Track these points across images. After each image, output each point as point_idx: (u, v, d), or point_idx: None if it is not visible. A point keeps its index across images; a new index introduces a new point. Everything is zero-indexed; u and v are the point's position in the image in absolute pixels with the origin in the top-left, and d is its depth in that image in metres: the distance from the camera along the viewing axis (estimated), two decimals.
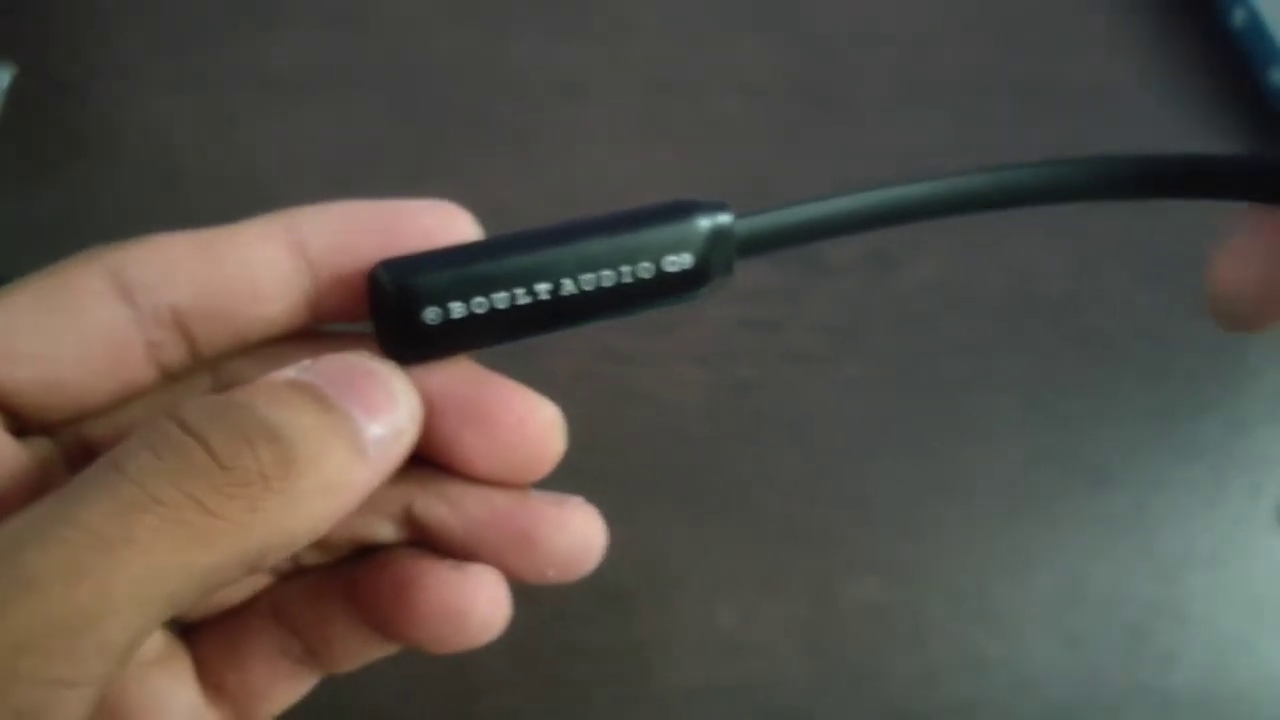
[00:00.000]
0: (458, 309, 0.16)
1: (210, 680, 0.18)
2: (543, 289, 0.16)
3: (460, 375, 0.17)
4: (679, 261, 0.18)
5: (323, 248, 0.17)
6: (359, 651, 0.19)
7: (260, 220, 0.17)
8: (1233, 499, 0.39)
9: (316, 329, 0.18)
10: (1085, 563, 0.37)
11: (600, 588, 0.35)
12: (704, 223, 0.18)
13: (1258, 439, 0.40)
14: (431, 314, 0.16)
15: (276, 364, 0.16)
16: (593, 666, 0.34)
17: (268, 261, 0.16)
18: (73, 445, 0.17)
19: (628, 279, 0.17)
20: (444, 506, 0.17)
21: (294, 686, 0.19)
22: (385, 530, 0.18)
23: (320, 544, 0.17)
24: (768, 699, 0.34)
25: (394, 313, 0.16)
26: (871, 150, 0.45)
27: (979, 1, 0.50)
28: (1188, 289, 0.43)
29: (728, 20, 0.49)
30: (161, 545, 0.13)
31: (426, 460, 0.17)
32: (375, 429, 0.15)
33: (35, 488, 0.16)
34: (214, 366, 0.17)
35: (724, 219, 0.18)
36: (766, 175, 0.44)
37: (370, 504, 0.16)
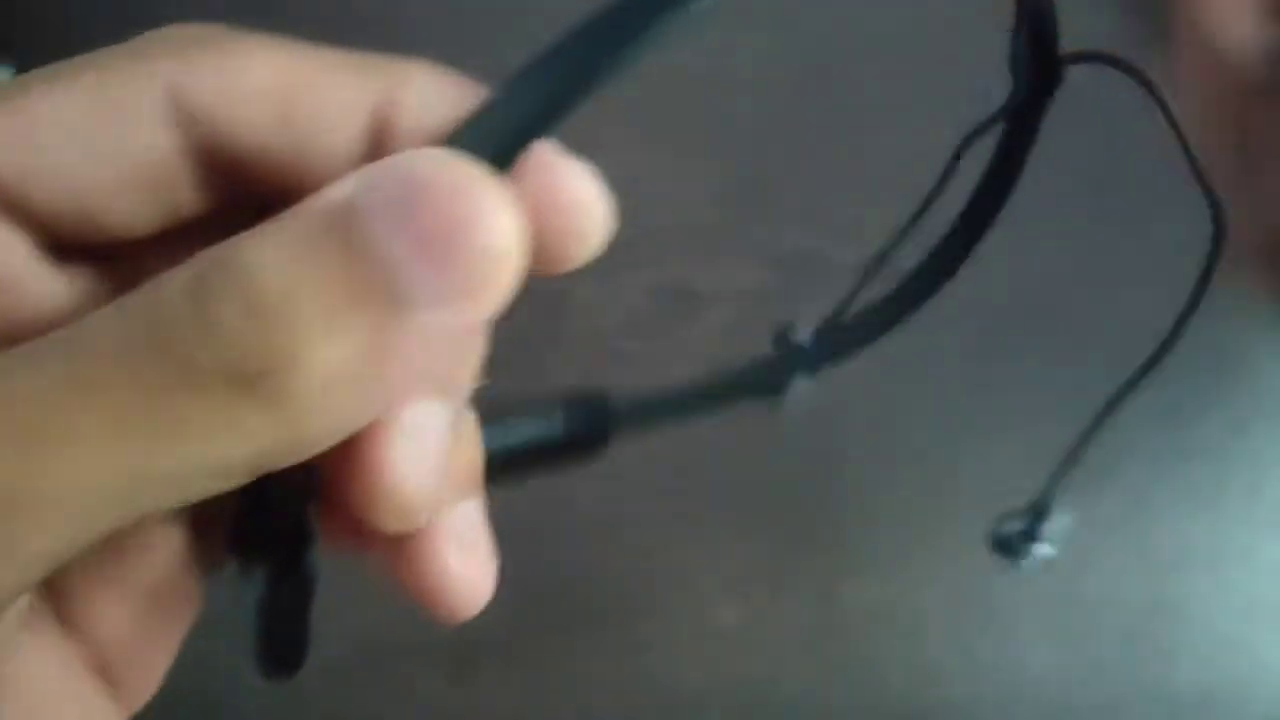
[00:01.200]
0: None
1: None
2: None
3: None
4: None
5: (413, 115, 0.14)
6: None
7: (358, 61, 0.14)
8: (1231, 499, 0.39)
9: None
10: (1084, 563, 0.37)
11: (602, 588, 0.35)
12: None
13: (1256, 440, 0.40)
14: None
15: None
16: (594, 667, 0.34)
17: (349, 119, 0.14)
18: (127, 275, 0.14)
19: None
20: None
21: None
22: None
23: None
24: (768, 698, 0.34)
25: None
26: (872, 151, 0.45)
27: (979, 2, 0.50)
28: (1186, 290, 0.43)
29: (728, 21, 0.49)
30: (104, 436, 0.11)
31: None
32: (434, 288, 0.11)
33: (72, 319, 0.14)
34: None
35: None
36: (767, 176, 0.44)
37: None
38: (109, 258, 0.14)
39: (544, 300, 0.36)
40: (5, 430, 0.11)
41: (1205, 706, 0.35)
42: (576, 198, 0.14)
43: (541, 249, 0.13)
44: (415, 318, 0.11)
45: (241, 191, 0.14)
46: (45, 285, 0.13)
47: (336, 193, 0.12)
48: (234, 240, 0.12)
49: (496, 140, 0.13)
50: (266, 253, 0.11)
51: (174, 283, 0.11)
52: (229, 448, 0.11)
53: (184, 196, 0.14)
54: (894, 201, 0.48)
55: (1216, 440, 0.40)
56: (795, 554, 0.36)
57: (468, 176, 0.12)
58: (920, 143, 0.48)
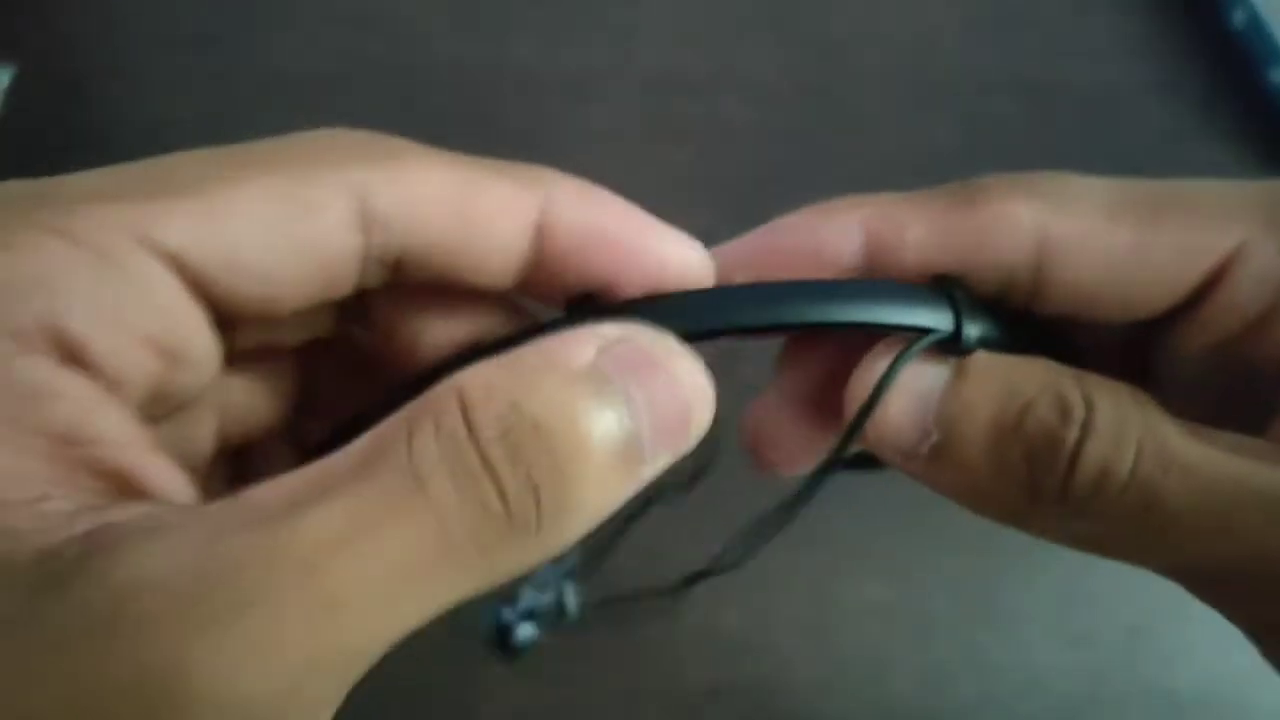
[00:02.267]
0: None
1: None
2: None
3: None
4: None
5: (566, 229, 0.16)
6: None
7: (515, 172, 0.16)
8: None
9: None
10: (1088, 562, 0.37)
11: (604, 590, 0.35)
12: None
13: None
14: None
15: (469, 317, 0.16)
16: (597, 668, 0.34)
17: (513, 228, 0.16)
18: (263, 334, 0.17)
19: None
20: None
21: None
22: None
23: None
24: (772, 699, 0.34)
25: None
26: (874, 152, 0.45)
27: (981, 5, 0.50)
28: None
29: (731, 23, 0.49)
30: (437, 579, 0.13)
31: None
32: (661, 455, 0.15)
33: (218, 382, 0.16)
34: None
35: None
36: (770, 176, 0.44)
37: None
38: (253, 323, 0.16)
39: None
40: (360, 589, 0.12)
41: (1207, 706, 0.35)
42: None
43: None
44: (647, 473, 0.15)
45: (393, 277, 0.16)
46: (211, 353, 0.15)
47: (586, 354, 0.14)
48: (513, 382, 0.14)
49: (692, 322, 0.16)
50: (554, 409, 0.14)
51: (483, 426, 0.13)
52: (506, 574, 0.14)
53: (348, 283, 0.16)
54: None
55: None
56: (796, 554, 0.36)
57: (693, 370, 0.15)
58: (920, 143, 0.48)
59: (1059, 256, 0.16)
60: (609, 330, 0.15)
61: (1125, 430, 0.15)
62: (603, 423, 0.14)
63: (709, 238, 0.45)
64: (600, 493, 0.14)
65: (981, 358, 0.16)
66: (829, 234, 0.18)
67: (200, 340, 0.15)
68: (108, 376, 0.14)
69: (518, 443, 0.13)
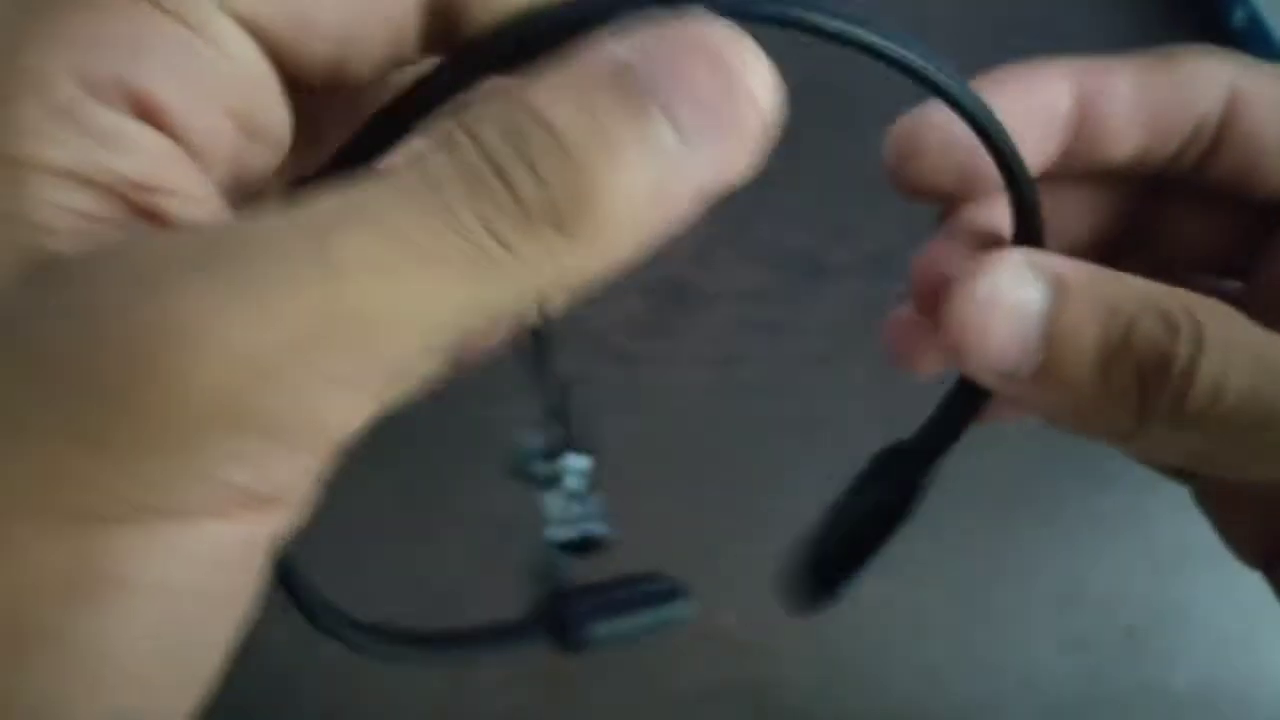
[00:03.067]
0: None
1: None
2: None
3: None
4: None
5: None
6: None
7: None
8: None
9: None
10: (1085, 562, 0.37)
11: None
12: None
13: None
14: None
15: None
16: (594, 667, 0.34)
17: None
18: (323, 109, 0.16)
19: None
20: None
21: None
22: None
23: None
24: (769, 699, 0.34)
25: None
26: (873, 151, 0.45)
27: (979, 3, 0.50)
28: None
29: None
30: (457, 268, 0.12)
31: None
32: (712, 149, 0.13)
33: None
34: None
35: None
36: (768, 174, 0.44)
37: None
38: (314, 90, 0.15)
39: None
40: (368, 262, 0.12)
41: (1207, 706, 0.35)
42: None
43: None
44: (693, 158, 0.13)
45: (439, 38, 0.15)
46: (285, 129, 0.15)
47: (612, 52, 0.13)
48: (527, 87, 0.13)
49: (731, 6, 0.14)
50: (565, 106, 0.13)
51: (487, 131, 0.13)
52: (545, 279, 0.13)
53: (412, 43, 0.15)
54: (893, 202, 0.48)
55: None
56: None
57: (730, 35, 0.13)
58: None
59: (1244, 109, 0.18)
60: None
61: (1235, 343, 0.16)
62: (612, 108, 0.13)
63: (708, 237, 0.45)
64: (633, 179, 0.13)
65: (1081, 273, 0.17)
66: (1043, 89, 0.19)
67: (278, 114, 0.15)
68: (191, 144, 0.14)
69: (523, 137, 0.12)
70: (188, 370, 0.11)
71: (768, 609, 0.36)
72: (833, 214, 0.43)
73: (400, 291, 0.12)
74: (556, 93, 0.13)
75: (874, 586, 0.37)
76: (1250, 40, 0.48)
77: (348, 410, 0.13)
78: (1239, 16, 0.48)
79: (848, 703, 0.34)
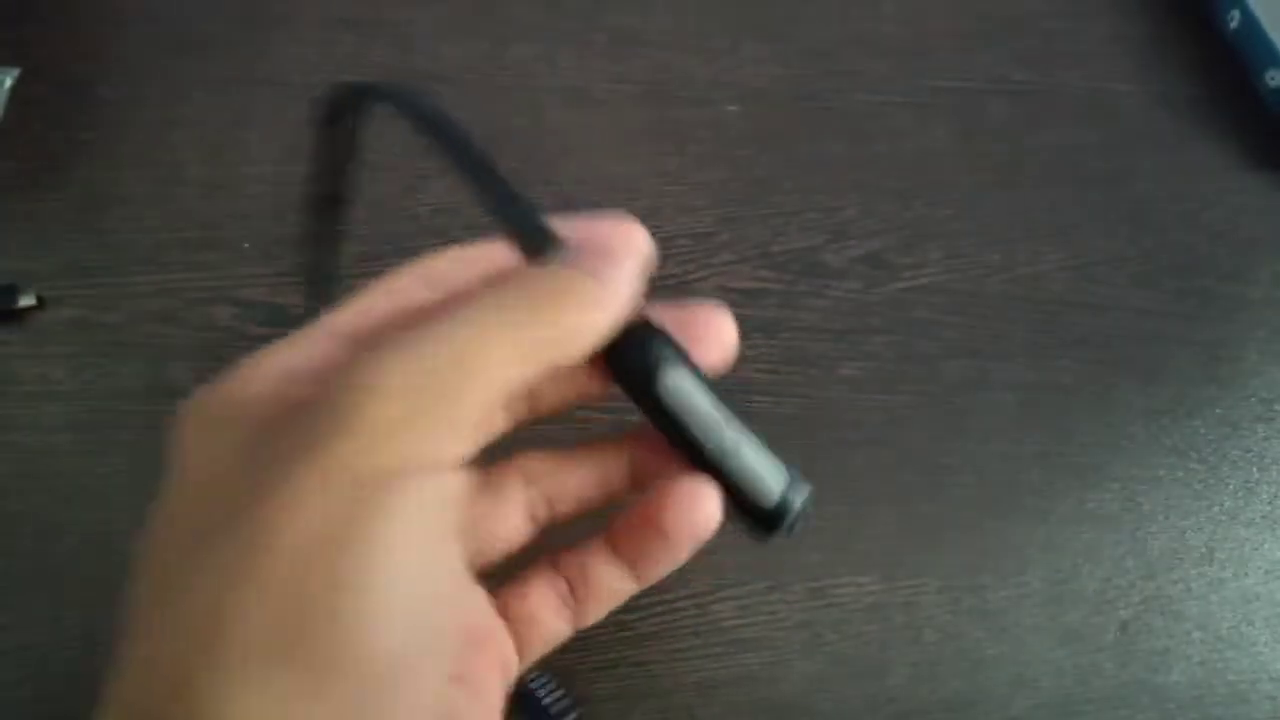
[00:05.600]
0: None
1: (499, 607, 0.23)
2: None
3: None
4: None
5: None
6: (609, 591, 0.24)
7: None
8: (1226, 497, 0.39)
9: None
10: (1080, 560, 0.37)
11: None
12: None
13: (1250, 438, 0.40)
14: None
15: None
16: (594, 665, 0.34)
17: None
18: None
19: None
20: None
21: (558, 623, 0.24)
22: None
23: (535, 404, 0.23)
24: (766, 694, 0.34)
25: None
26: (871, 156, 0.45)
27: (976, 8, 0.50)
28: (1181, 292, 0.44)
29: (728, 28, 0.49)
30: (508, 341, 0.19)
31: None
32: (616, 277, 0.20)
33: None
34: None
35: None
36: (767, 177, 0.44)
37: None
38: None
39: None
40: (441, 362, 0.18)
41: (1200, 705, 0.35)
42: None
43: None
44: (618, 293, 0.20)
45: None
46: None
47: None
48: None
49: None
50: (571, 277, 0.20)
51: (542, 278, 0.20)
52: (576, 343, 0.20)
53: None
54: (893, 202, 0.49)
55: (1211, 439, 0.40)
56: (794, 551, 0.36)
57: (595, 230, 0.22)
58: (915, 148, 0.48)
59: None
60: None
61: None
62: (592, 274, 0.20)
63: (708, 241, 0.45)
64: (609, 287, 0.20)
65: None
66: None
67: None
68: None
69: (526, 280, 0.20)
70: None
71: (761, 604, 0.37)
72: (832, 214, 0.44)
73: (470, 371, 0.19)
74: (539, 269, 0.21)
75: (871, 583, 0.37)
76: (1245, 42, 0.48)
77: (441, 478, 0.19)
78: (1235, 20, 0.49)
79: (845, 698, 0.35)
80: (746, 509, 0.22)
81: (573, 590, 0.24)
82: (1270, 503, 0.39)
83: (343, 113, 0.22)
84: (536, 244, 0.20)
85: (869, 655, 0.35)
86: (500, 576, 0.24)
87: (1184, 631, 0.37)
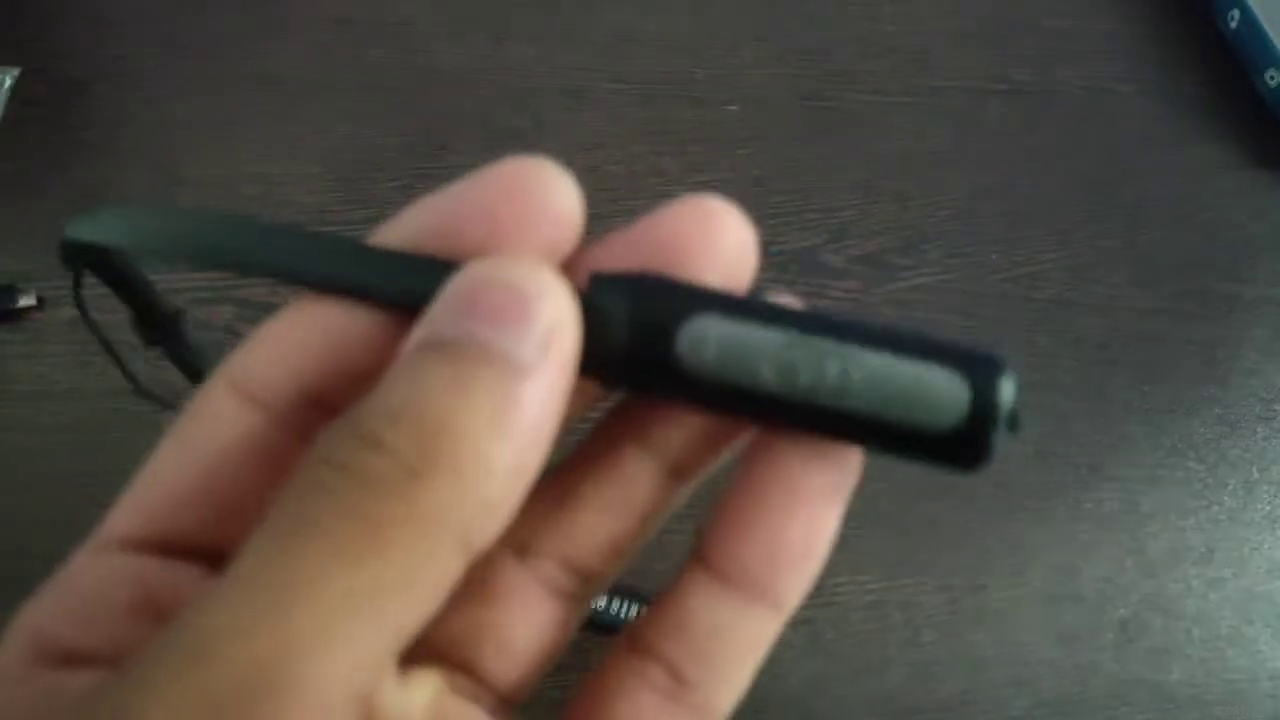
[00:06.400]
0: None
1: None
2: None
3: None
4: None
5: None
6: (741, 643, 0.16)
7: None
8: (1225, 497, 0.39)
9: None
10: (1079, 560, 0.37)
11: None
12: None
13: (1249, 439, 0.40)
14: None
15: None
16: (594, 665, 0.34)
17: None
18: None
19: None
20: None
21: None
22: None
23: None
24: (766, 693, 0.34)
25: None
26: (870, 156, 0.45)
27: (976, 8, 0.50)
28: (1180, 291, 0.44)
29: (727, 29, 0.49)
30: (342, 569, 0.12)
31: None
32: (522, 348, 0.13)
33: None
34: None
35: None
36: (765, 176, 0.44)
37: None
38: None
39: None
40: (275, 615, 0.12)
41: (1200, 703, 0.36)
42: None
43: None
44: (526, 377, 0.13)
45: None
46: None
47: (422, 333, 0.13)
48: (376, 402, 0.13)
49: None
50: (409, 400, 0.13)
51: (377, 452, 0.12)
52: (441, 542, 0.12)
53: None
54: (892, 202, 0.49)
55: (1210, 439, 0.40)
56: None
57: (508, 267, 0.14)
58: (914, 147, 0.48)
59: None
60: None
61: None
62: (443, 379, 0.13)
63: None
64: (467, 417, 0.13)
65: None
66: None
67: None
68: None
69: (343, 423, 0.13)
70: None
71: None
72: (831, 214, 0.44)
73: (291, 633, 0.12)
74: (392, 394, 0.13)
75: (871, 583, 0.37)
76: (1245, 41, 0.48)
77: None
78: (1234, 20, 0.49)
79: (844, 697, 0.35)
80: (916, 445, 0.14)
81: (678, 676, 0.15)
82: (1270, 503, 0.39)
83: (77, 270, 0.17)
84: (404, 301, 0.14)
85: (868, 654, 0.35)
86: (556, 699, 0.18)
87: (1183, 630, 0.37)
